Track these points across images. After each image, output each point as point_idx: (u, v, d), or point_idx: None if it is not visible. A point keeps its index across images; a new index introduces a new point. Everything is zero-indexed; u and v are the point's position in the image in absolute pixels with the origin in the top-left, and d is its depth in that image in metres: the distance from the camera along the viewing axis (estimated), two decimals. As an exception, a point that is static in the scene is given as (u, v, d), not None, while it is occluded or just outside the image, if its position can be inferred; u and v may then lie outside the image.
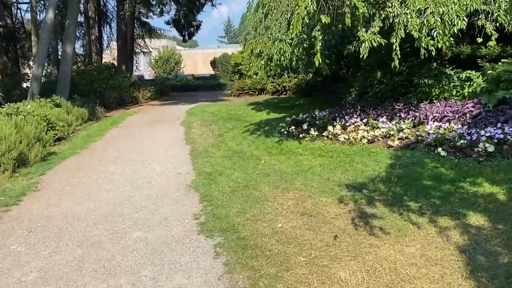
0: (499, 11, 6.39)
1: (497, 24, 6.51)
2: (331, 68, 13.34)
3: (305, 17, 6.24)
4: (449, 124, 6.72)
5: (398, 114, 8.01)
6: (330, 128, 7.82)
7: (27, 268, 3.52)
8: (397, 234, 3.70)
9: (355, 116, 8.75)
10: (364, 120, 8.10)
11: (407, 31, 6.53)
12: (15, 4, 22.82)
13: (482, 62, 7.49)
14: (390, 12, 6.62)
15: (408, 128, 7.14)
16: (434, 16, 6.37)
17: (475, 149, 5.59)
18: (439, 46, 6.44)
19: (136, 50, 26.30)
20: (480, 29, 6.68)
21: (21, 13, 25.96)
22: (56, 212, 4.89)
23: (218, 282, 3.13)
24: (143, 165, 7.14)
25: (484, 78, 7.16)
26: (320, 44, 6.43)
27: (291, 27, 6.47)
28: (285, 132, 8.58)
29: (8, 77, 20.38)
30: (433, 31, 6.42)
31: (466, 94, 7.79)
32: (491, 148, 5.42)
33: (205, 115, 13.04)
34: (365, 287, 2.94)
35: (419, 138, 6.45)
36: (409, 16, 6.55)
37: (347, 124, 8.11)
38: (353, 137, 7.20)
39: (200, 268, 3.35)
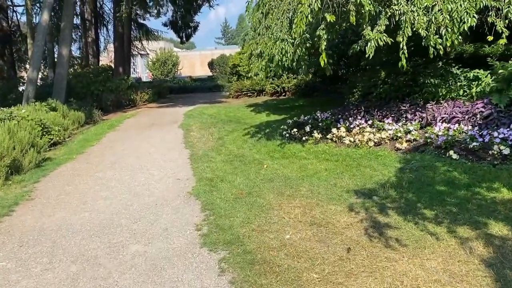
0: (509, 7, 6.16)
1: (506, 21, 6.29)
2: (332, 68, 13.14)
3: (309, 15, 6.00)
4: (459, 126, 6.48)
5: (404, 115, 7.76)
6: (334, 130, 7.57)
7: None
8: (414, 246, 3.45)
9: (359, 117, 8.51)
10: (369, 122, 7.86)
11: (414, 29, 6.30)
12: (11, 7, 22.55)
13: (492, 60, 7.24)
14: (396, 10, 6.38)
15: (415, 130, 6.89)
16: (442, 14, 6.14)
17: (489, 152, 5.35)
18: (448, 44, 6.21)
19: (134, 52, 26.03)
20: (486, 27, 6.46)
21: (17, 16, 25.75)
22: (50, 223, 4.61)
23: (224, 302, 2.88)
24: (141, 170, 6.88)
25: (494, 77, 6.91)
26: (325, 43, 6.19)
27: (293, 26, 6.23)
28: (287, 135, 8.33)
29: (4, 80, 20.07)
30: (441, 29, 6.19)
31: (474, 94, 7.55)
32: (506, 151, 5.17)
33: (203, 118, 12.77)
34: (385, 308, 2.69)
35: (428, 140, 6.20)
36: (416, 14, 6.31)
37: (352, 126, 7.87)
38: (359, 140, 6.95)
39: (204, 287, 3.08)
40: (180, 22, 24.02)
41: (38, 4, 20.57)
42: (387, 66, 9.49)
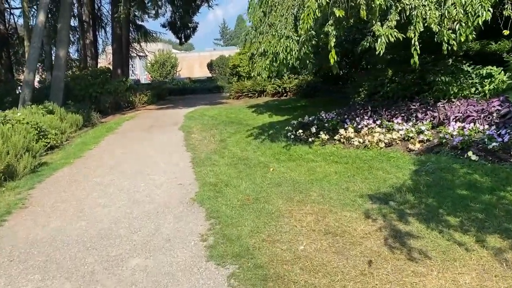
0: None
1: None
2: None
3: (316, 10, 5.70)
4: (474, 125, 6.17)
5: (414, 115, 7.45)
6: (342, 131, 7.26)
7: (5, 309, 2.95)
8: (443, 258, 3.14)
9: (366, 117, 8.20)
10: (378, 122, 7.55)
11: (426, 24, 6.01)
12: (8, 10, 22.23)
13: (508, 56, 6.94)
14: (407, 4, 6.09)
15: (428, 130, 6.59)
16: (456, 7, 5.84)
17: (511, 153, 5.04)
18: (462, 39, 5.91)
19: (132, 54, 25.73)
20: (501, 21, 6.16)
21: (14, 19, 25.35)
22: (44, 234, 4.30)
23: (236, 326, 2.56)
24: (141, 175, 6.57)
25: (509, 74, 6.62)
26: (334, 40, 5.88)
27: (300, 22, 5.93)
28: (292, 136, 8.02)
29: (1, 83, 19.76)
30: (455, 23, 5.90)
31: (487, 91, 7.25)
32: (529, 151, 4.88)
33: (204, 119, 12.46)
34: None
35: (443, 140, 5.90)
36: (427, 8, 6.02)
37: (359, 126, 7.56)
38: (368, 141, 6.64)
39: (213, 307, 2.78)
40: (179, 22, 23.69)
41: (35, 7, 20.24)
42: (394, 64, 9.20)
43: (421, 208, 4.13)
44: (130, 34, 22.81)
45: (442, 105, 7.25)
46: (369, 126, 7.43)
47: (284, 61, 6.89)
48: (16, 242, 4.13)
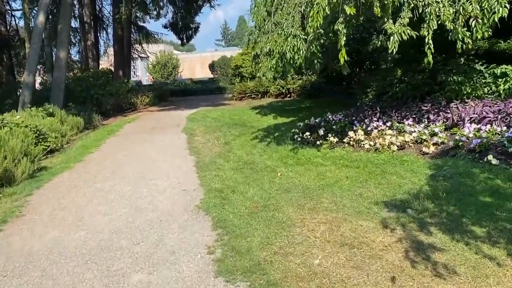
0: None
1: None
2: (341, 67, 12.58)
3: (326, 8, 5.44)
4: (491, 126, 5.90)
5: (426, 116, 7.18)
6: (351, 133, 6.99)
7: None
8: (473, 274, 2.88)
9: (375, 119, 7.94)
10: (388, 124, 7.28)
11: (439, 22, 5.75)
12: (9, 12, 22.07)
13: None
14: (419, 1, 5.84)
15: (441, 132, 6.32)
16: (471, 4, 5.58)
17: (534, 156, 4.77)
18: (478, 37, 5.65)
19: (134, 55, 25.51)
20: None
21: (15, 21, 25.17)
22: (40, 246, 4.05)
23: None
24: (143, 180, 6.32)
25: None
26: (344, 38, 5.62)
27: (309, 19, 5.67)
28: (299, 139, 7.76)
29: (2, 85, 19.57)
30: (470, 20, 5.64)
31: (501, 91, 6.98)
32: (554, 155, 4.60)
33: (207, 121, 12.21)
34: None
35: (459, 143, 5.63)
36: (441, 5, 5.76)
37: (369, 128, 7.29)
38: (379, 144, 6.37)
39: (223, 332, 2.52)
40: (180, 23, 23.45)
41: (36, 8, 20.04)
42: (403, 64, 8.94)
43: (443, 216, 3.86)
44: (131, 35, 22.60)
45: (455, 106, 6.98)
46: (379, 128, 7.16)
47: (291, 61, 6.65)
48: (10, 255, 3.88)
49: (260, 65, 7.71)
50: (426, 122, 6.97)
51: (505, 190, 4.27)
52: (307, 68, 12.19)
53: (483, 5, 5.58)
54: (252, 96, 18.91)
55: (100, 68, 21.33)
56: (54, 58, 18.91)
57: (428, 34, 5.76)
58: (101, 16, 24.71)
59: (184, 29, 24.07)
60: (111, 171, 7.00)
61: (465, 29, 5.72)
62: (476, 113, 6.31)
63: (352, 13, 5.41)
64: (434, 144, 6.01)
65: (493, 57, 7.98)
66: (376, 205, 4.37)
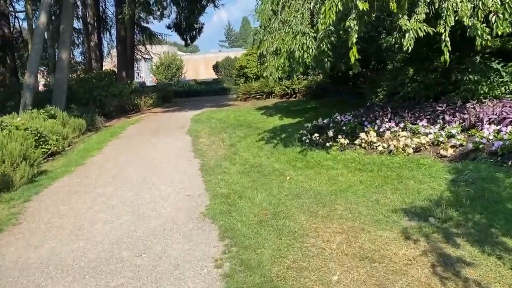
0: None
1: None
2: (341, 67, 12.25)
3: (339, 3, 5.15)
4: (512, 128, 5.59)
5: (441, 117, 6.86)
6: (362, 135, 6.69)
7: None
8: (512, 294, 2.58)
9: (387, 120, 7.63)
10: (401, 125, 6.97)
11: (457, 17, 5.45)
12: (12, 13, 21.95)
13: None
14: (436, -4, 5.54)
15: (458, 133, 6.01)
16: (492, -3, 5.27)
17: None
18: (499, 33, 5.33)
19: (137, 57, 25.34)
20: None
21: (19, 22, 25.18)
22: (36, 258, 3.79)
23: None
24: (146, 184, 6.06)
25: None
26: (356, 35, 5.33)
27: (321, 16, 5.38)
28: (307, 140, 7.47)
29: (6, 87, 19.42)
30: (490, 15, 5.33)
31: (520, 91, 6.66)
32: None
33: (212, 122, 11.94)
34: None
35: (480, 146, 5.31)
36: (458, 0, 5.46)
37: (381, 129, 6.99)
38: (394, 146, 6.07)
39: None
40: (184, 24, 23.22)
41: (39, 10, 19.90)
42: (415, 62, 8.62)
43: (469, 226, 3.56)
44: (135, 36, 22.41)
45: (472, 106, 6.66)
46: (391, 130, 6.86)
47: (300, 60, 6.37)
48: (4, 268, 3.62)
49: (266, 64, 7.44)
50: (441, 123, 6.65)
51: (534, 196, 3.96)
52: (315, 67, 11.89)
53: (504, -1, 5.28)
54: (257, 96, 18.64)
55: (103, 69, 21.12)
56: (56, 59, 18.76)
57: (445, 31, 5.45)
58: (105, 17, 24.56)
59: (188, 29, 23.84)
60: (113, 175, 6.75)
61: (484, 25, 5.42)
62: (496, 114, 6.00)
63: (365, 9, 5.12)
64: (452, 146, 5.70)
65: (505, 56, 7.66)
66: (395, 213, 4.07)
